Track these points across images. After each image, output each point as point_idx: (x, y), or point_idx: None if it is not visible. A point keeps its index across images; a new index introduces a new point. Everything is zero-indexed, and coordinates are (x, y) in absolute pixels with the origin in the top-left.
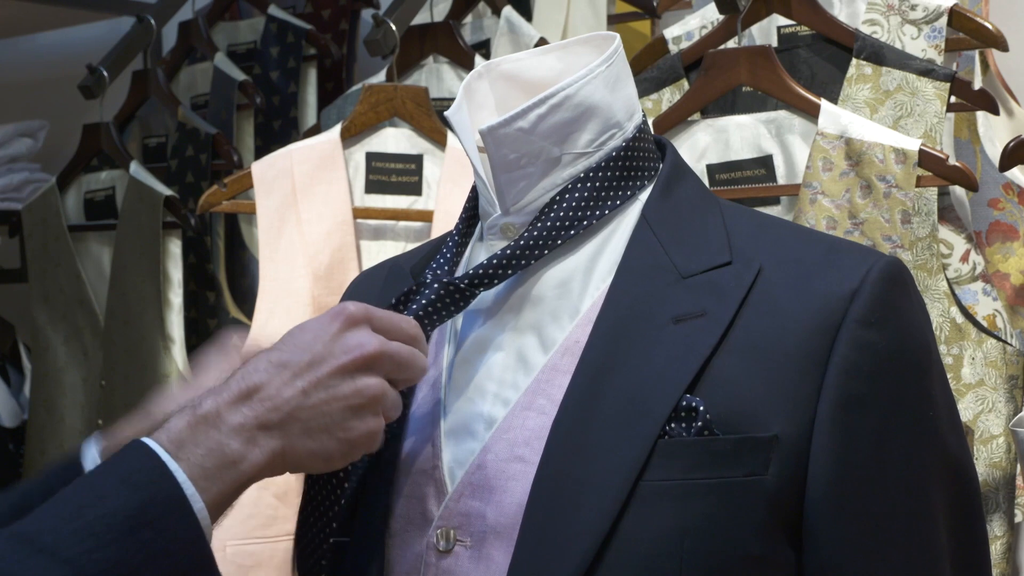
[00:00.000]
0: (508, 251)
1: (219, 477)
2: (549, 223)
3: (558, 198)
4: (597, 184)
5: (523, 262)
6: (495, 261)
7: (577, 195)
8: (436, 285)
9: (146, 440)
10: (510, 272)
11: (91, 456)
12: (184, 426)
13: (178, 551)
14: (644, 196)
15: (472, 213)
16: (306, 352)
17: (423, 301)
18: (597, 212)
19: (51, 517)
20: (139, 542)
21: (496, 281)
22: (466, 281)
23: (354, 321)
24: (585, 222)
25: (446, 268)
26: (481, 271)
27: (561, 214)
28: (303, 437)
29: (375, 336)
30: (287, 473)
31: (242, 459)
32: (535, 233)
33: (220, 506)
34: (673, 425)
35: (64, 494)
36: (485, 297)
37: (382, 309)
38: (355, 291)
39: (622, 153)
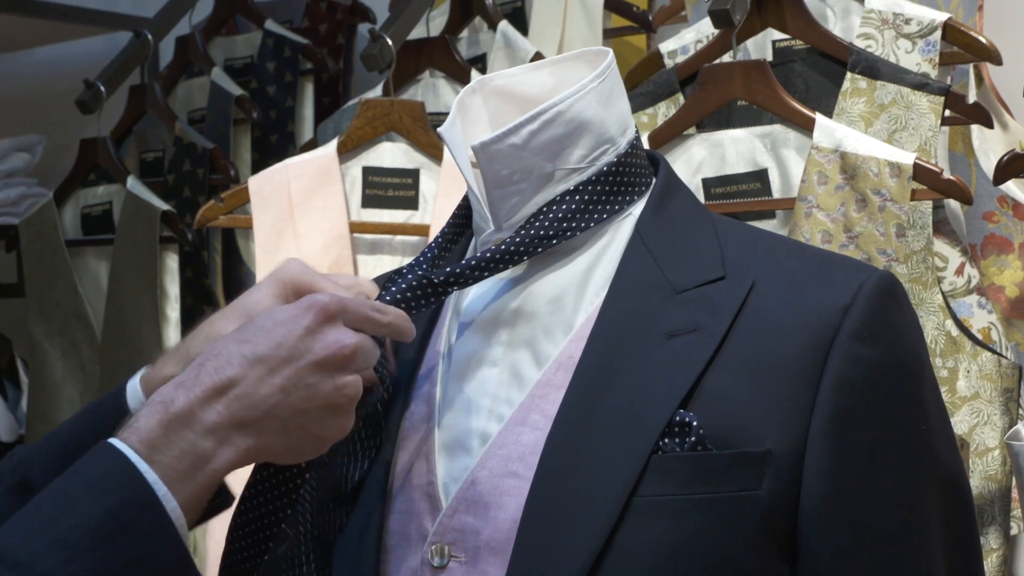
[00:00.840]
0: (487, 254)
1: (192, 477)
2: (532, 231)
3: (545, 208)
4: (586, 197)
5: (500, 266)
6: (472, 263)
7: (564, 207)
8: (410, 276)
9: (114, 441)
10: (486, 274)
11: (133, 390)
12: (155, 425)
13: (156, 554)
14: (637, 211)
15: (461, 220)
16: (281, 346)
17: (393, 289)
18: (583, 224)
19: (23, 531)
20: (115, 548)
21: (471, 282)
22: (441, 278)
23: (329, 315)
24: (569, 233)
25: (424, 267)
26: (458, 270)
27: (546, 223)
28: (278, 434)
29: (354, 334)
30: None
31: (215, 457)
32: (516, 239)
33: (193, 505)
34: (667, 440)
35: (34, 504)
36: (479, 312)
37: (355, 299)
38: None
39: (613, 168)
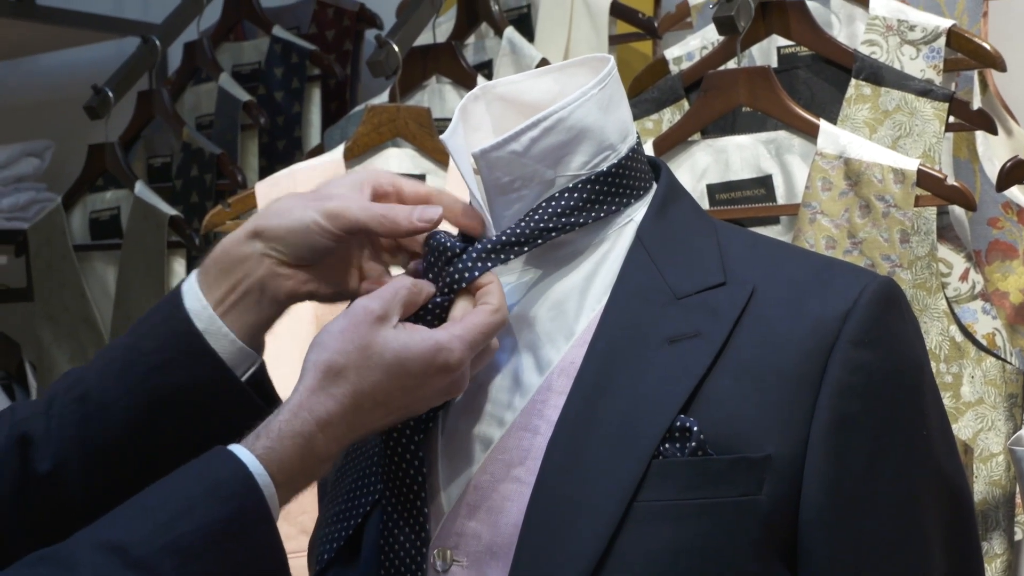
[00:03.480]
0: (487, 244)
1: (302, 487)
2: (532, 223)
3: (544, 203)
4: (584, 195)
5: (500, 256)
6: (471, 255)
7: (564, 202)
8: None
9: (234, 449)
10: (489, 265)
11: (192, 293)
12: (291, 452)
13: (259, 560)
14: (639, 217)
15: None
16: (407, 396)
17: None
18: (581, 219)
19: (143, 528)
20: (224, 553)
21: (473, 276)
22: (448, 280)
23: (456, 368)
24: (568, 227)
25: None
26: (455, 271)
27: (544, 216)
28: (388, 417)
29: (465, 359)
30: None
31: (325, 470)
32: (516, 230)
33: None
34: (667, 445)
35: (152, 499)
36: None
37: (470, 324)
38: None
39: (613, 169)
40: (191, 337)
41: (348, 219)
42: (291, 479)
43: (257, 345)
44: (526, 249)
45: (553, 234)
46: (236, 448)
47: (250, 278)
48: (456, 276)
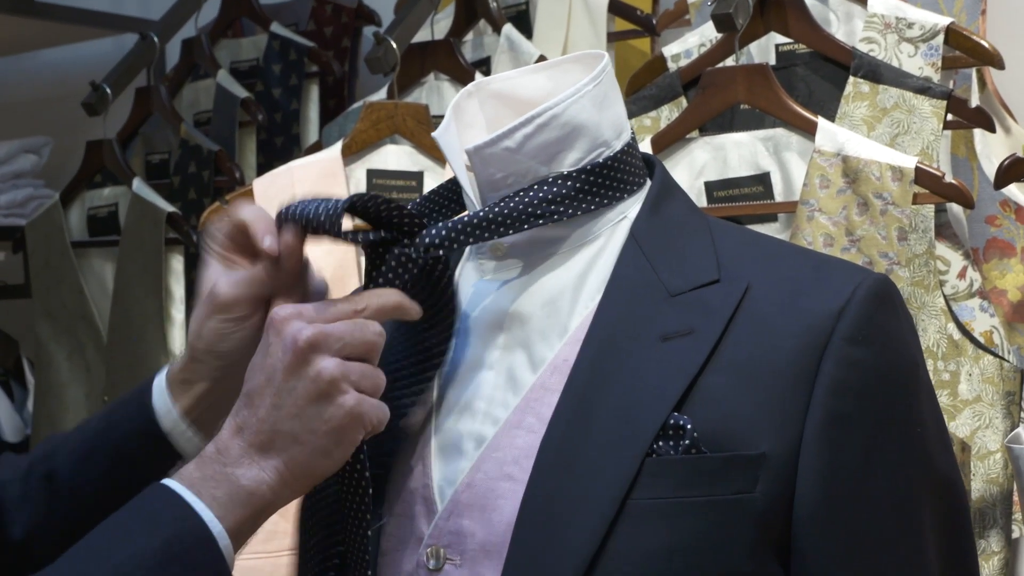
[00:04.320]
0: (470, 219)
1: (233, 504)
2: (522, 205)
3: (535, 186)
4: (577, 184)
5: (481, 234)
6: (452, 226)
7: (555, 189)
8: (387, 256)
9: (165, 482)
10: (470, 240)
11: (159, 387)
12: (192, 468)
13: None
14: (632, 214)
15: (441, 193)
16: (259, 372)
17: (375, 274)
18: (570, 210)
19: (80, 562)
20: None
21: (451, 247)
22: (422, 249)
23: (283, 322)
24: (555, 216)
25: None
26: (436, 237)
27: (536, 200)
28: (296, 445)
29: (307, 325)
30: (304, 490)
31: (251, 483)
32: (502, 208)
33: (240, 534)
34: (661, 443)
35: (91, 537)
36: (474, 315)
37: (312, 303)
38: None
39: (607, 162)
40: (155, 438)
41: (229, 299)
42: (193, 482)
43: None
44: (510, 232)
45: (540, 221)
46: (169, 481)
47: (211, 392)
48: (424, 247)
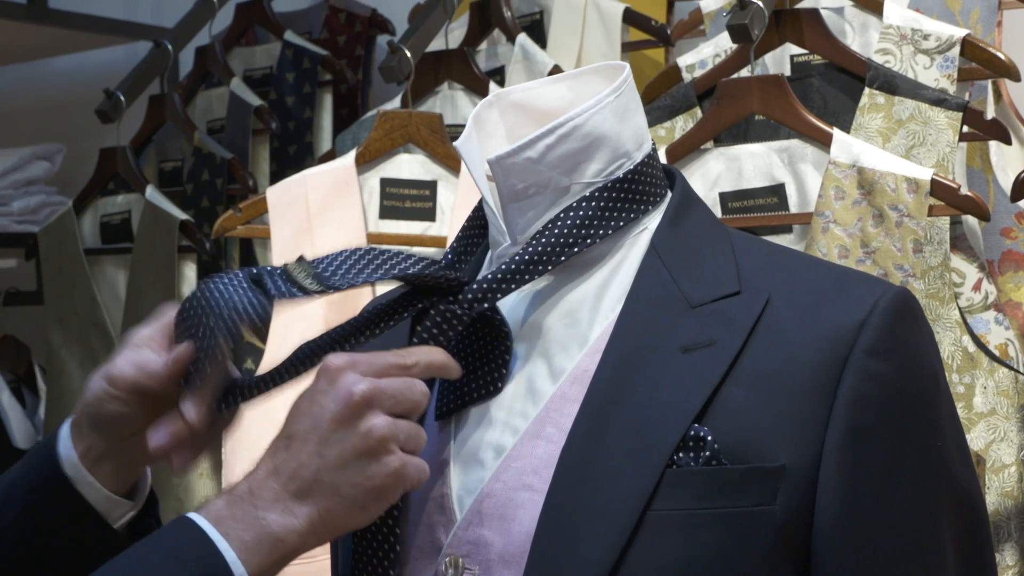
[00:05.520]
0: (509, 266)
1: (259, 549)
2: (552, 239)
3: (561, 215)
4: (600, 204)
5: (525, 277)
6: (493, 277)
7: (581, 213)
8: (432, 312)
9: (192, 516)
10: (513, 287)
11: (64, 432)
12: (222, 505)
13: None
14: (653, 225)
15: (471, 233)
16: (305, 417)
17: (419, 329)
18: (600, 231)
19: None
20: None
21: (496, 297)
22: (465, 305)
23: (338, 372)
24: (589, 240)
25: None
26: (480, 290)
27: (564, 231)
28: (334, 497)
29: (362, 378)
30: (331, 539)
31: (281, 530)
32: (537, 249)
33: (266, 571)
34: (681, 455)
35: (111, 567)
36: None
37: (366, 353)
38: None
39: (629, 176)
40: (60, 483)
41: (116, 374)
42: (221, 520)
43: (135, 490)
44: (550, 268)
45: (575, 249)
46: (195, 516)
47: (96, 445)
48: (473, 301)
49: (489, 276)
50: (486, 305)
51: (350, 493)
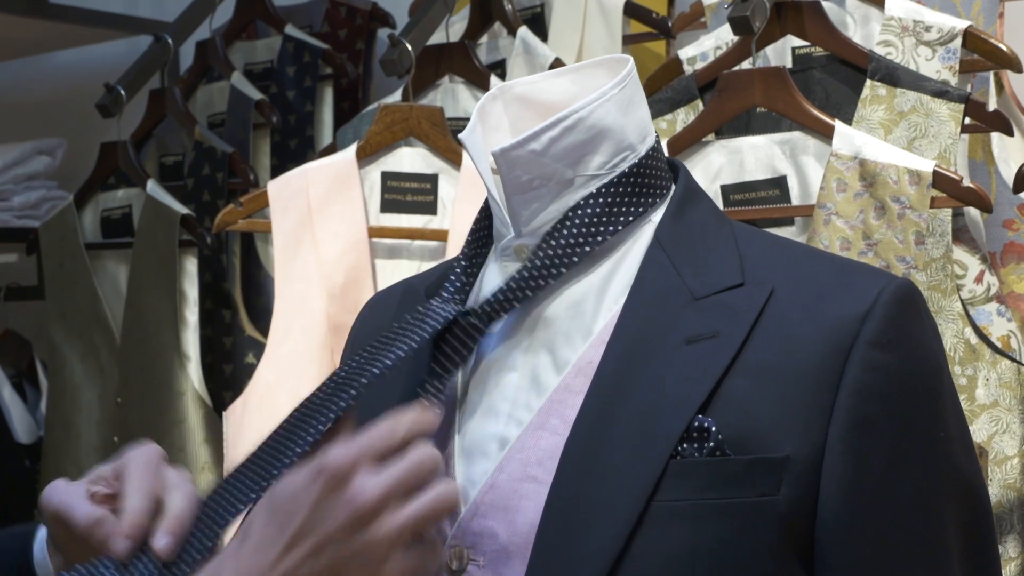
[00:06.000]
0: (524, 272)
1: None
2: (563, 240)
3: (570, 214)
4: (609, 200)
5: (541, 282)
6: (512, 284)
7: (589, 211)
8: (440, 312)
9: None
10: (529, 294)
11: (40, 541)
12: None
13: None
14: (657, 218)
15: (480, 235)
16: (297, 519)
17: (443, 345)
18: (610, 228)
19: None
20: None
21: (512, 306)
22: (483, 317)
23: (339, 480)
24: (600, 238)
25: (457, 297)
26: (501, 296)
27: (574, 231)
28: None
29: (371, 478)
30: None
31: None
32: (549, 252)
33: None
34: (685, 446)
35: None
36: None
37: (369, 436)
38: (370, 312)
39: (634, 171)
40: None
41: (71, 516)
42: None
43: None
44: (563, 271)
45: (587, 249)
46: None
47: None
48: (492, 312)
49: (504, 286)
50: (504, 315)
51: None
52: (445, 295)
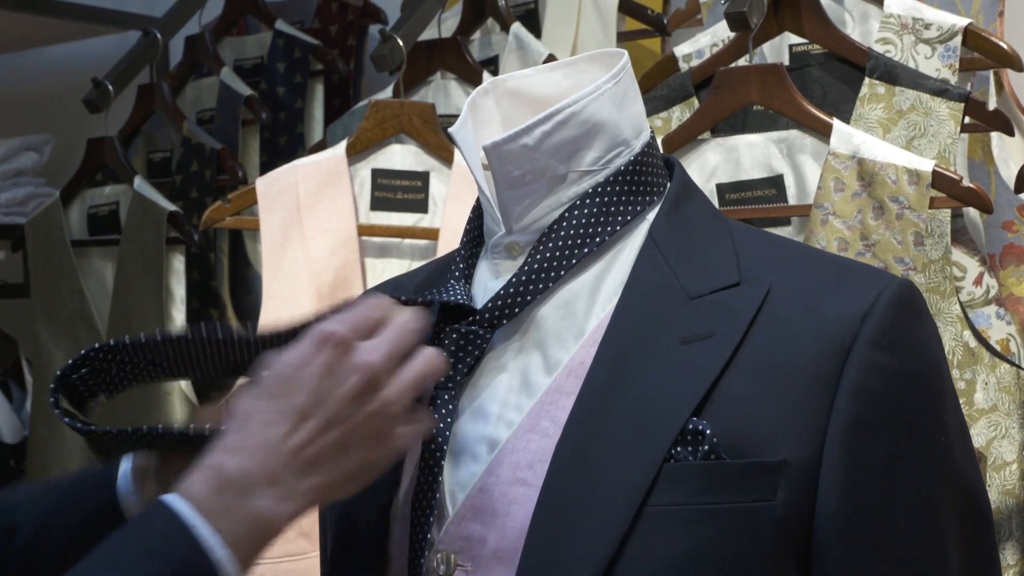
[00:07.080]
0: (523, 277)
1: (251, 539)
2: (561, 242)
3: (566, 214)
4: (605, 200)
5: (540, 286)
6: (510, 290)
7: (586, 211)
8: (455, 336)
9: (170, 502)
10: (529, 299)
11: (125, 478)
12: (210, 493)
13: None
14: (651, 215)
15: (474, 236)
16: (305, 391)
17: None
18: (608, 228)
19: None
20: None
21: (517, 310)
22: (485, 324)
23: (345, 346)
24: (598, 239)
25: (459, 299)
26: (500, 303)
27: (572, 232)
28: (335, 473)
29: (374, 350)
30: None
31: (275, 517)
32: (547, 255)
33: (251, 562)
34: (679, 449)
35: (87, 564)
36: None
37: (359, 313)
38: None
39: (629, 168)
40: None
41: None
42: (212, 515)
43: None
44: (562, 274)
45: (585, 251)
46: (175, 501)
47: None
48: (492, 319)
49: (502, 292)
50: (505, 322)
51: (351, 468)
52: (447, 296)
